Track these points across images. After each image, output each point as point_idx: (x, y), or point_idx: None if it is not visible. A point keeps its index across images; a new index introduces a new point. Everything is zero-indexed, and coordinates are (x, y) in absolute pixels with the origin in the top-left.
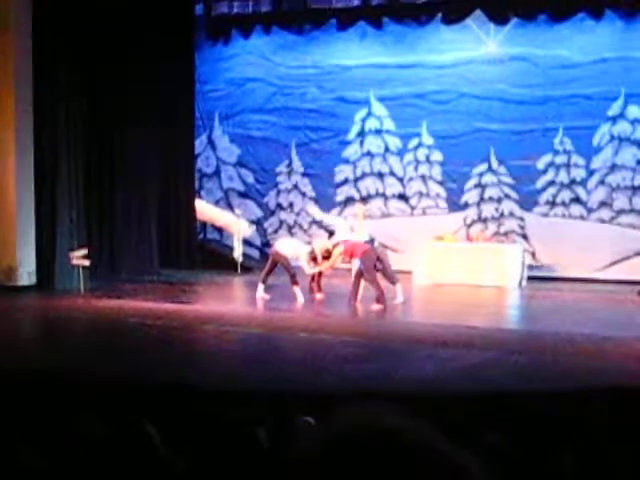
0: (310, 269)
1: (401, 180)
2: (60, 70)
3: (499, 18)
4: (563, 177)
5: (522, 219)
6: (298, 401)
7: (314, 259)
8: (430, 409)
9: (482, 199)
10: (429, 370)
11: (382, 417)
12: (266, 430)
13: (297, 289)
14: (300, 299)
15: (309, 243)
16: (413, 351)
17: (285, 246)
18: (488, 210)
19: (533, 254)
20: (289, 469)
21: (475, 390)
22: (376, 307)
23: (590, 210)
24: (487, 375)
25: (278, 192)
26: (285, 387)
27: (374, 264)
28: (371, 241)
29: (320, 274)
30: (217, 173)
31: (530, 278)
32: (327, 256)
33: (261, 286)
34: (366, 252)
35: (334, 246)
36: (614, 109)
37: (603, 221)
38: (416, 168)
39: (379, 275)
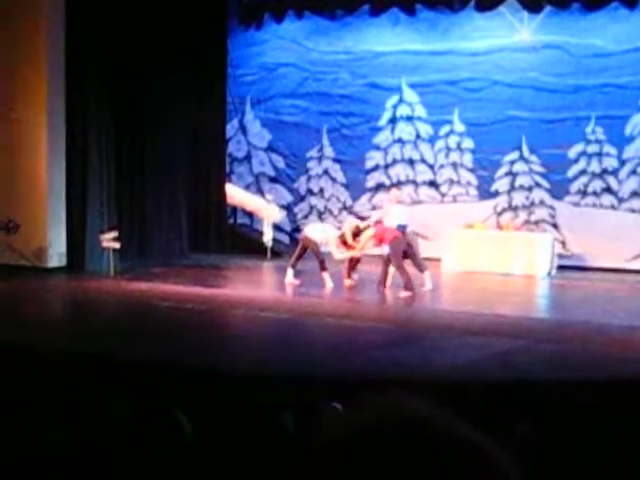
0: (339, 254)
1: (432, 167)
2: (92, 57)
3: (533, 6)
4: (595, 166)
5: (553, 208)
6: (326, 387)
7: (344, 243)
8: (459, 397)
9: (513, 187)
10: (458, 358)
11: (408, 405)
12: (293, 415)
13: (326, 275)
14: (329, 285)
15: (339, 229)
16: (442, 338)
17: (315, 231)
18: (519, 198)
19: (563, 243)
20: (313, 455)
21: (504, 378)
22: (404, 294)
23: (621, 200)
24: (516, 363)
25: (309, 177)
26: (313, 372)
27: (403, 251)
28: (403, 227)
29: (358, 260)
30: (248, 158)
31: (560, 267)
32: (357, 233)
33: (290, 271)
34: (396, 238)
35: (364, 228)
36: None
37: (634, 211)
38: (447, 155)
39: (408, 262)
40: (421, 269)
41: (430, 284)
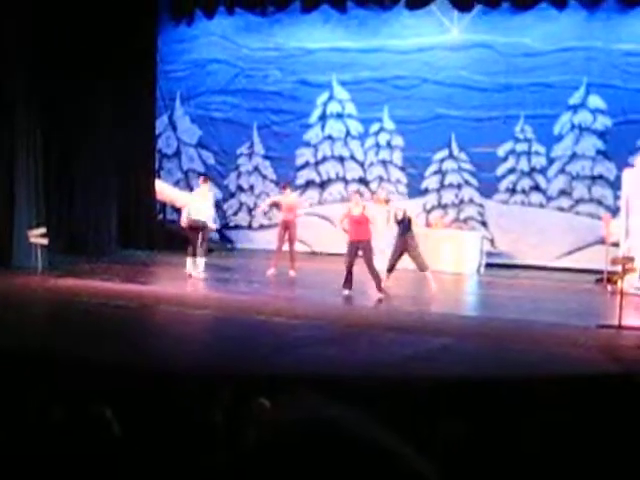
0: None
1: (362, 164)
2: (19, 55)
3: (463, 5)
4: (523, 165)
5: (482, 206)
6: (254, 384)
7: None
8: (381, 395)
9: (442, 185)
10: (385, 355)
11: (322, 407)
12: (222, 412)
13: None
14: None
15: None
16: (368, 336)
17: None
18: (448, 196)
19: (492, 241)
20: (239, 452)
21: (430, 376)
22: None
23: (550, 198)
24: (442, 361)
25: (239, 174)
26: (243, 369)
27: (402, 250)
28: (403, 221)
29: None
30: (177, 154)
31: (488, 265)
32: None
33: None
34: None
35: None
36: (575, 98)
37: (562, 209)
38: (377, 153)
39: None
40: (423, 268)
41: (434, 285)
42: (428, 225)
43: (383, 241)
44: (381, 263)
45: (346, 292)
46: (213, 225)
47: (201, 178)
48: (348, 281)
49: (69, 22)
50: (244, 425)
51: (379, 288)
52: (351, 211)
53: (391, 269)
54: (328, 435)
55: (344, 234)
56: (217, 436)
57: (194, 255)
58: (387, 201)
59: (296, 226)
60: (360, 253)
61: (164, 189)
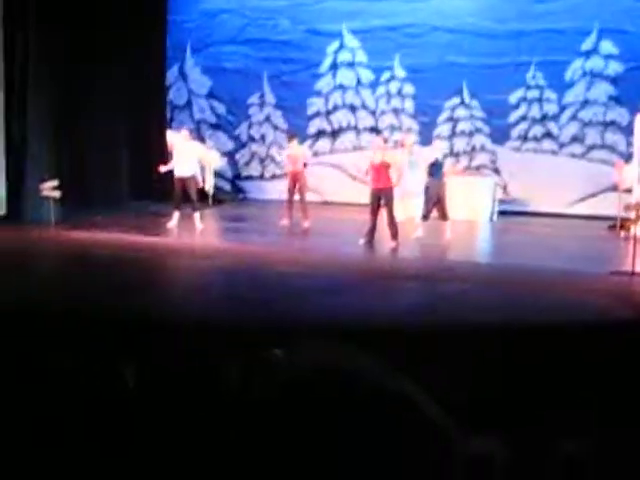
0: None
1: (373, 113)
2: (32, 10)
3: None
4: (535, 112)
5: (494, 153)
6: (268, 334)
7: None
8: (398, 344)
9: (454, 133)
10: (399, 303)
11: (340, 355)
12: (236, 364)
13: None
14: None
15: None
16: (382, 284)
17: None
18: (460, 144)
19: (504, 188)
20: (250, 413)
21: (445, 323)
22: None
23: (562, 145)
24: (456, 309)
25: (250, 124)
26: (256, 320)
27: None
28: (437, 165)
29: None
30: (189, 105)
31: (501, 212)
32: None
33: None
34: (389, 188)
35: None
36: (587, 44)
37: (574, 156)
38: (388, 101)
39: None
40: (445, 217)
41: (449, 233)
42: None
43: (406, 185)
44: (400, 210)
45: (361, 241)
46: (198, 180)
47: (182, 131)
48: (369, 232)
49: None
50: (258, 376)
51: (394, 237)
52: (372, 158)
53: (427, 216)
54: (343, 382)
55: (357, 184)
56: (232, 388)
57: (178, 208)
58: (409, 145)
59: (304, 177)
60: (382, 201)
61: (176, 140)
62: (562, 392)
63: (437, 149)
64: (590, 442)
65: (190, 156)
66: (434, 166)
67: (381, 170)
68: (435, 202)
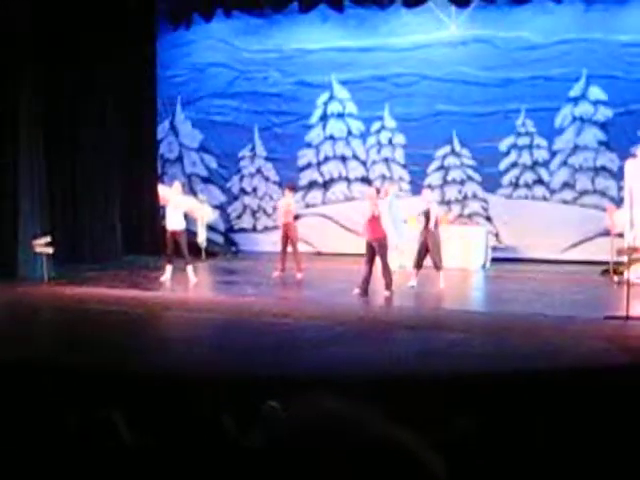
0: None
1: (364, 163)
2: (23, 60)
3: (460, 0)
4: (526, 159)
5: (485, 201)
6: (264, 387)
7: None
8: (395, 393)
9: (445, 181)
10: (396, 353)
11: (336, 406)
12: (233, 417)
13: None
14: (167, 275)
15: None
16: (379, 334)
17: (173, 221)
18: (451, 192)
19: (497, 236)
20: (245, 464)
21: (441, 372)
22: (387, 293)
23: (553, 191)
24: (451, 357)
25: (241, 177)
26: (252, 373)
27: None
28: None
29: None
30: (180, 158)
31: (494, 260)
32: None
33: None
34: (382, 237)
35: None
36: (575, 90)
37: (566, 202)
38: (379, 151)
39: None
40: (438, 267)
41: (443, 283)
42: None
43: (394, 236)
44: (395, 259)
45: (356, 291)
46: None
47: (175, 183)
48: (363, 282)
49: (67, 29)
50: (254, 428)
51: (388, 287)
52: (364, 209)
53: (419, 264)
54: (340, 432)
55: (349, 234)
56: (227, 440)
57: (170, 262)
58: (390, 194)
59: (295, 228)
60: (376, 251)
61: (167, 194)
62: (561, 438)
63: (426, 199)
64: None
65: (181, 210)
66: (424, 216)
67: (372, 221)
68: (426, 251)
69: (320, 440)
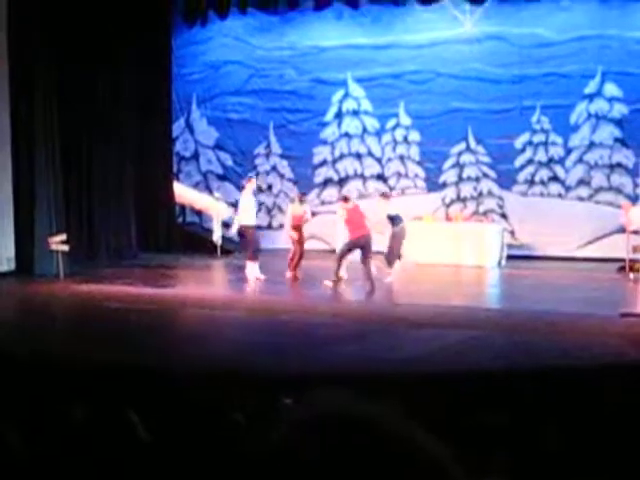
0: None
1: (379, 160)
2: (37, 59)
3: None
4: (541, 156)
5: (501, 198)
6: (279, 384)
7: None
8: (410, 390)
9: (460, 178)
10: (409, 351)
11: (350, 403)
12: (245, 414)
13: (255, 265)
14: (256, 275)
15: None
16: (394, 332)
17: (244, 216)
18: (467, 189)
19: (512, 233)
20: (259, 460)
21: (457, 370)
22: (327, 284)
23: (568, 188)
24: (469, 355)
25: (257, 174)
26: (267, 370)
27: (355, 248)
28: (393, 218)
29: (299, 253)
30: (195, 156)
31: (509, 257)
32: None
33: (252, 265)
34: (359, 237)
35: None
36: (591, 87)
37: (582, 199)
38: (394, 148)
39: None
40: (390, 263)
41: (391, 278)
42: (448, 219)
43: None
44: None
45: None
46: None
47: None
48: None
49: (82, 27)
50: (268, 426)
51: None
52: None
53: (395, 260)
54: (356, 431)
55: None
56: (239, 438)
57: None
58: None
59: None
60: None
61: (183, 192)
62: (577, 435)
63: (392, 205)
64: None
65: (244, 203)
66: (393, 218)
67: (347, 223)
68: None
69: (331, 437)
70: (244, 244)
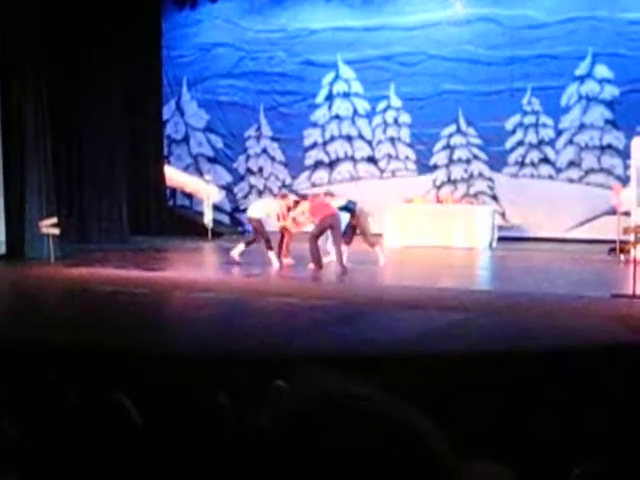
0: (279, 223)
1: (370, 143)
2: (26, 45)
3: None
4: (532, 137)
5: (491, 180)
6: (270, 366)
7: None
8: (399, 372)
9: (451, 160)
10: (401, 332)
11: (339, 383)
12: (232, 395)
13: (272, 254)
14: (275, 264)
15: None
16: (384, 314)
17: (255, 209)
18: (457, 171)
19: (503, 215)
20: (251, 443)
21: (446, 352)
22: (311, 266)
23: (559, 170)
24: (460, 336)
25: (247, 157)
26: (257, 352)
27: (352, 227)
28: (353, 204)
29: (288, 237)
30: (186, 139)
31: (500, 239)
32: (295, 206)
33: (241, 246)
34: (326, 217)
35: (298, 201)
36: (582, 69)
37: (572, 181)
38: (385, 131)
39: (358, 238)
40: (371, 244)
41: (383, 259)
42: (439, 201)
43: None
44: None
45: (312, 266)
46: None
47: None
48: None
49: (71, 11)
50: (258, 408)
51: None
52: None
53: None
54: (349, 411)
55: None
56: (226, 421)
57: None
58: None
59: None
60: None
61: (174, 175)
62: (570, 414)
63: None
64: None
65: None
66: (347, 206)
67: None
68: (353, 234)
69: (323, 417)
70: (257, 236)
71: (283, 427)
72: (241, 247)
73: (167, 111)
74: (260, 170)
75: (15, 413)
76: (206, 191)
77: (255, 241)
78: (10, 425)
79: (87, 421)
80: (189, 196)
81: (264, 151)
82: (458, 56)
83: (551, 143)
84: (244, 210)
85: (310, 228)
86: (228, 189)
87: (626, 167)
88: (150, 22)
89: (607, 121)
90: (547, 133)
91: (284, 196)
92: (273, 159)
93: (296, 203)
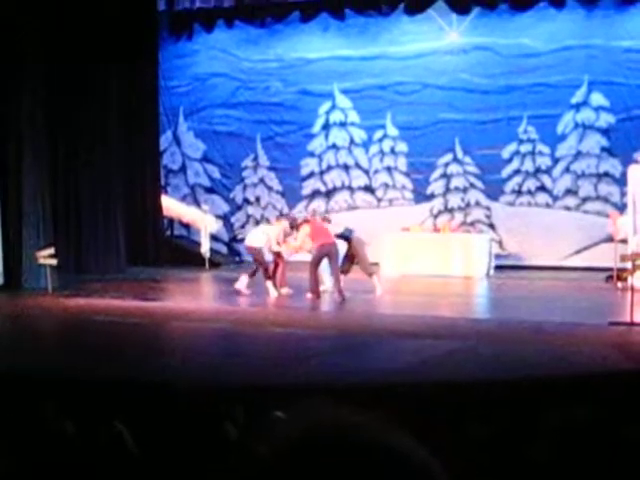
0: (277, 247)
1: (367, 172)
2: (23, 74)
3: (461, 8)
4: (528, 166)
5: (488, 208)
6: (267, 396)
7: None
8: (396, 401)
9: (448, 189)
10: (397, 361)
11: (336, 413)
12: (236, 425)
13: (270, 283)
14: (273, 293)
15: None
16: (382, 343)
17: (253, 237)
18: (454, 200)
19: (500, 243)
20: (252, 464)
21: (444, 381)
22: (308, 296)
23: (556, 198)
24: (457, 365)
25: (244, 187)
26: (255, 382)
27: (349, 255)
28: (349, 232)
29: (282, 265)
30: (183, 169)
31: (498, 267)
32: (293, 228)
33: (245, 279)
34: (323, 245)
35: (301, 224)
36: (577, 97)
37: (569, 209)
38: (381, 160)
39: (356, 267)
40: (369, 273)
41: (380, 288)
42: (436, 230)
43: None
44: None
45: (310, 296)
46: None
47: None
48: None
49: (68, 41)
50: (257, 438)
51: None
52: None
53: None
54: (347, 441)
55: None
56: (230, 451)
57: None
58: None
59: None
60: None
61: (171, 205)
62: (565, 444)
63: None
64: None
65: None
66: (343, 234)
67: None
68: (351, 263)
69: (322, 447)
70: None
71: (282, 457)
72: (244, 279)
73: (164, 141)
74: (257, 200)
75: (10, 444)
76: (203, 221)
77: (257, 270)
78: (7, 455)
79: (84, 451)
80: (186, 226)
81: (261, 181)
82: (454, 85)
83: (548, 171)
84: (241, 240)
85: (302, 255)
86: (225, 219)
87: (623, 194)
88: (146, 52)
89: (603, 149)
90: (544, 161)
91: (279, 219)
92: (270, 189)
93: (293, 227)
